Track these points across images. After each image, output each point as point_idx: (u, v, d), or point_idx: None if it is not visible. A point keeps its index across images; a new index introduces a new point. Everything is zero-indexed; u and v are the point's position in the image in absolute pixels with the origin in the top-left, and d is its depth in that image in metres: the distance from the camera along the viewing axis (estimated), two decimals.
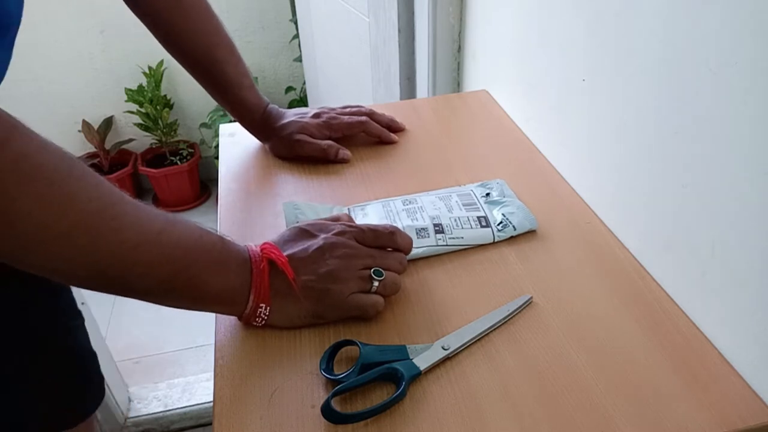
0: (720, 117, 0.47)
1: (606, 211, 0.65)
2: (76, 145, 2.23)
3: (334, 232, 0.54)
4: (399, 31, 1.12)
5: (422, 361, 0.49)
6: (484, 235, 0.62)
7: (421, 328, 0.53)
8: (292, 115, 0.79)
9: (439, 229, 0.62)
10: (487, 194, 0.67)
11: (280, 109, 0.80)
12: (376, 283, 0.52)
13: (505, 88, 0.88)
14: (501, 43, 0.86)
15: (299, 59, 2.08)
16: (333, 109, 0.81)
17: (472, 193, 0.68)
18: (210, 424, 0.48)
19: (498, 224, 0.63)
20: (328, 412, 0.45)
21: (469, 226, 0.62)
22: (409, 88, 1.20)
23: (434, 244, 0.61)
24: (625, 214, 0.62)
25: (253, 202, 0.70)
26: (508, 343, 0.52)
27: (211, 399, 0.49)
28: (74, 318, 0.75)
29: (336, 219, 0.58)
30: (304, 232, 0.54)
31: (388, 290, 0.54)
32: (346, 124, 0.79)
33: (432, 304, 0.56)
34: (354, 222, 0.58)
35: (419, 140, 0.82)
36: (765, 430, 0.45)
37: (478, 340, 0.52)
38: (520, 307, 0.54)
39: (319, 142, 0.76)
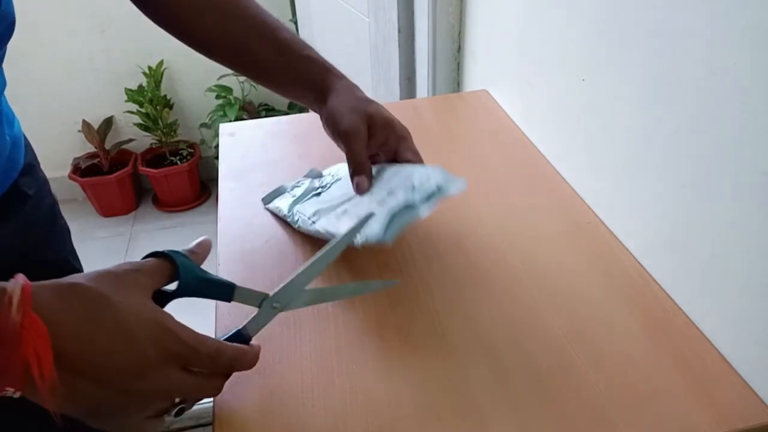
0: (720, 117, 0.47)
1: (606, 211, 0.65)
2: (76, 145, 2.23)
3: (155, 351, 0.38)
4: (399, 31, 1.12)
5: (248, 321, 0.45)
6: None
7: None
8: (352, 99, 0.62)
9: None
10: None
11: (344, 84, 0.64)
12: (173, 416, 0.41)
13: (505, 88, 0.88)
14: (501, 43, 0.86)
15: None
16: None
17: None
18: (210, 424, 0.48)
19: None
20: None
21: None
22: (409, 88, 1.20)
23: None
24: (625, 214, 0.62)
25: (253, 202, 0.70)
26: (508, 343, 0.52)
27: (211, 399, 0.49)
28: None
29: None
30: (124, 331, 0.37)
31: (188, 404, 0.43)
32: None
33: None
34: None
35: (419, 140, 0.82)
36: (765, 430, 0.45)
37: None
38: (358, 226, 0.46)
39: (361, 151, 0.60)
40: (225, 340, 0.44)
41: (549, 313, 0.54)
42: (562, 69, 0.70)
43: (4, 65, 0.56)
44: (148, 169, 2.20)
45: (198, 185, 2.34)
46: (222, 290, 0.44)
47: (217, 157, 0.89)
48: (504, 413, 0.46)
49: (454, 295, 0.56)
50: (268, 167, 0.77)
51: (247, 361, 0.44)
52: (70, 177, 2.18)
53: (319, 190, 0.67)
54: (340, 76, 0.64)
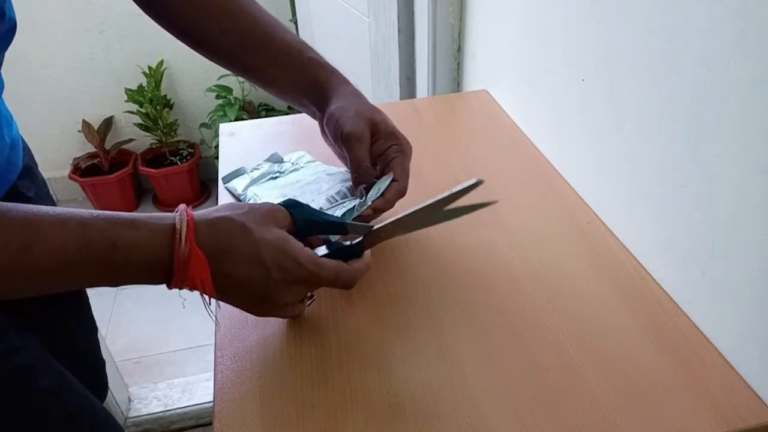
0: (719, 117, 0.47)
1: (606, 211, 0.65)
2: (76, 145, 2.22)
3: (291, 279, 0.47)
4: (399, 31, 1.12)
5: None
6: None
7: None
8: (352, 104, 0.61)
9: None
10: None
11: (342, 89, 0.63)
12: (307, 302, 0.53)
13: (505, 88, 0.88)
14: (501, 43, 0.86)
15: None
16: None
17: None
18: (210, 424, 0.48)
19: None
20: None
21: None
22: (409, 88, 1.20)
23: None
24: (625, 214, 0.62)
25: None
26: (509, 342, 0.52)
27: (211, 399, 0.49)
28: (94, 330, 0.81)
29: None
30: (258, 258, 0.46)
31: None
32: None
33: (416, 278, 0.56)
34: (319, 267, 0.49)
35: (419, 140, 0.82)
36: (765, 430, 0.45)
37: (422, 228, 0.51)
38: (466, 188, 0.50)
39: (365, 157, 0.59)
40: (335, 250, 0.51)
41: (549, 312, 0.54)
42: (562, 69, 0.70)
43: (3, 67, 0.56)
44: (148, 169, 2.19)
45: (198, 185, 2.34)
46: (336, 227, 0.52)
47: (217, 157, 0.89)
48: (504, 413, 0.46)
49: (454, 295, 0.56)
50: None
51: (361, 274, 0.51)
52: (70, 177, 2.18)
53: (277, 175, 0.70)
54: (345, 81, 0.63)
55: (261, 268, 0.46)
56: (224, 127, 0.87)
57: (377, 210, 0.58)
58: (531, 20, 0.77)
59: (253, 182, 0.69)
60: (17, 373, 0.58)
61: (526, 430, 0.45)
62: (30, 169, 0.66)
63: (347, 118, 0.58)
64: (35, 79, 2.06)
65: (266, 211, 0.48)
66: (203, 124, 2.25)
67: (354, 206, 0.57)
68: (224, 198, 0.71)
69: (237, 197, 0.69)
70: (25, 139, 0.68)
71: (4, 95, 0.60)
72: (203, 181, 2.39)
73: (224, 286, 0.46)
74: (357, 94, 0.62)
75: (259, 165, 0.73)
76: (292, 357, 0.51)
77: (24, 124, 0.67)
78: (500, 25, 0.85)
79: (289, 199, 0.51)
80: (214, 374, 0.50)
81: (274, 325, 0.54)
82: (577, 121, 0.69)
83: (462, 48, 1.02)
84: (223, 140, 0.84)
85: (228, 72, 2.08)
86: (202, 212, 0.46)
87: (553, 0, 0.70)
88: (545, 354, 0.50)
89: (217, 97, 2.13)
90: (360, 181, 0.59)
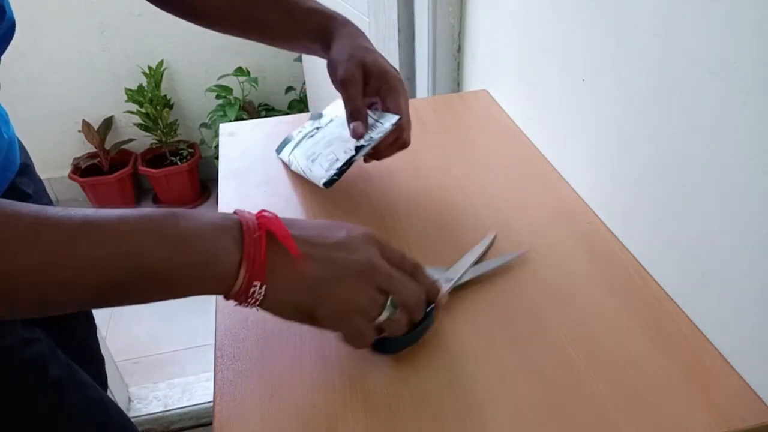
0: (719, 117, 0.47)
1: (606, 211, 0.65)
2: (76, 145, 2.23)
3: (361, 233, 0.46)
4: (399, 31, 1.12)
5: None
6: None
7: None
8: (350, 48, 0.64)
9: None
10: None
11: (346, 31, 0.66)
12: (385, 314, 0.45)
13: (505, 88, 0.88)
14: (501, 43, 0.86)
15: (299, 59, 2.08)
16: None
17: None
18: (210, 424, 0.48)
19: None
20: (380, 345, 0.48)
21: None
22: (409, 88, 1.20)
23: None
24: (626, 214, 0.62)
25: (253, 202, 0.70)
26: (508, 343, 0.52)
27: (211, 399, 0.49)
28: (93, 327, 0.82)
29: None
30: (327, 225, 0.46)
31: (391, 329, 0.46)
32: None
33: None
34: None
35: (419, 140, 0.82)
36: (765, 430, 0.45)
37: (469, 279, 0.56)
38: (489, 245, 0.59)
39: (356, 96, 0.63)
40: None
41: (549, 312, 0.54)
42: (562, 69, 0.70)
43: (2, 67, 0.56)
44: (148, 169, 2.19)
45: (198, 185, 2.34)
46: None
47: (217, 157, 0.89)
48: (504, 413, 0.46)
49: (454, 294, 0.56)
50: (268, 167, 0.77)
51: (437, 291, 0.49)
52: (70, 177, 2.18)
53: (314, 132, 0.72)
54: (344, 23, 0.67)
55: (339, 229, 0.45)
56: (224, 127, 0.87)
57: (379, 152, 0.65)
58: (531, 20, 0.77)
59: (296, 146, 0.73)
60: (30, 364, 0.59)
61: (527, 431, 0.45)
62: (27, 167, 0.67)
63: (341, 62, 0.63)
64: (35, 79, 2.06)
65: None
66: (203, 124, 2.25)
67: (361, 145, 0.62)
68: (224, 198, 0.71)
69: (287, 165, 0.73)
70: (26, 139, 0.68)
71: (0, 95, 0.60)
72: (203, 181, 2.39)
73: (316, 255, 0.43)
74: (352, 36, 0.66)
75: (302, 127, 0.75)
76: (292, 357, 0.51)
77: (24, 124, 0.68)
78: (500, 25, 0.85)
79: None
80: (214, 374, 0.50)
81: (274, 325, 0.54)
82: (577, 121, 0.69)
83: (462, 48, 1.02)
84: (223, 140, 0.84)
85: (228, 72, 2.09)
86: None
87: (552, 0, 0.70)
88: (545, 354, 0.50)
89: (217, 97, 2.13)
90: (353, 119, 0.63)
